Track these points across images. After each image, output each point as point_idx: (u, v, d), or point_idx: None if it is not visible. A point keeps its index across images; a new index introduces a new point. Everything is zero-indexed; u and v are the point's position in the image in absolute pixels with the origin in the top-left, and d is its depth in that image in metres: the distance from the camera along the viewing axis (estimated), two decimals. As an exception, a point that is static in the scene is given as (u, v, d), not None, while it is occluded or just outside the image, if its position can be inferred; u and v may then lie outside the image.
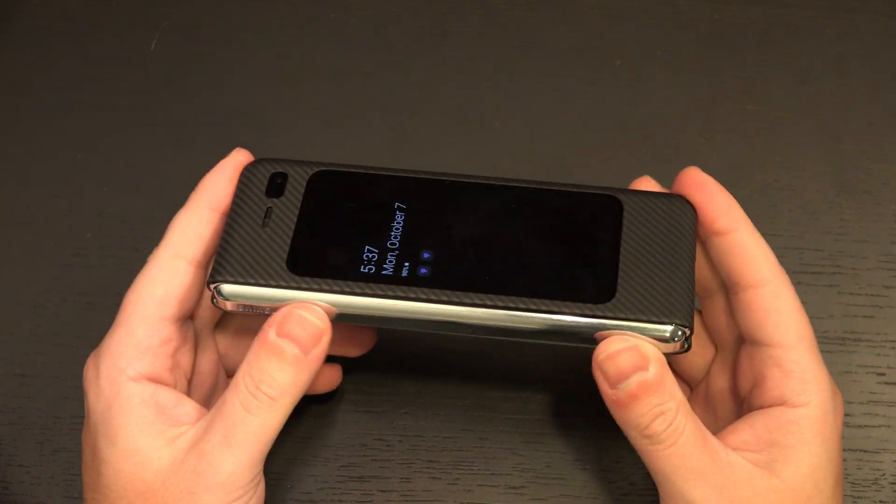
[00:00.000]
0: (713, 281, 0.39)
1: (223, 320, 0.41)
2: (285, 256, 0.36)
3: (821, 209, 0.51)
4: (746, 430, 0.36)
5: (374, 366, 0.45)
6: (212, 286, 0.36)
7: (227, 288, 0.36)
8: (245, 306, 0.36)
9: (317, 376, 0.42)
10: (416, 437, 0.44)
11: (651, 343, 0.35)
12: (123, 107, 0.54)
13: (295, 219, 0.37)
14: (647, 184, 0.39)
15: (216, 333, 0.41)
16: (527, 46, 0.56)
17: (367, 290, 0.36)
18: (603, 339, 0.35)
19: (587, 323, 0.35)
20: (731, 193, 0.50)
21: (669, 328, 0.35)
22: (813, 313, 0.47)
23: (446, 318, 0.36)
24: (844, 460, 0.43)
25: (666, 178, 0.51)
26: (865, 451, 0.44)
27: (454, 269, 0.36)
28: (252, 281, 0.36)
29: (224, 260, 0.36)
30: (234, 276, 0.36)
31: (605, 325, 0.35)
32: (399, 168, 0.39)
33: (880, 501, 0.43)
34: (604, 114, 0.54)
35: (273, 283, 0.36)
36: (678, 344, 0.35)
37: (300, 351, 0.35)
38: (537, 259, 0.37)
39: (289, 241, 0.37)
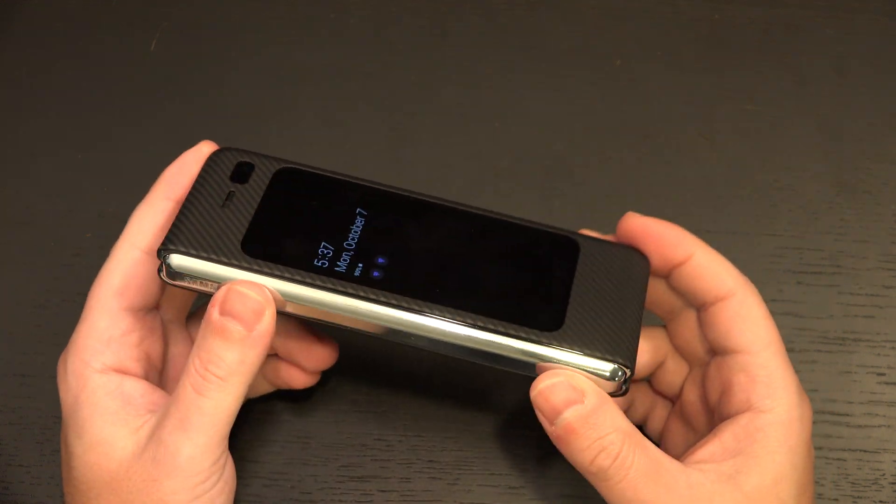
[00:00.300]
0: (676, 301, 0.39)
1: (198, 312, 0.41)
2: (240, 237, 0.36)
3: (821, 209, 0.51)
4: (714, 442, 0.36)
5: (374, 366, 0.45)
6: (161, 255, 0.36)
7: (175, 258, 0.35)
8: (192, 279, 0.35)
9: (285, 369, 0.41)
10: (416, 437, 0.44)
11: (588, 378, 0.35)
12: (124, 107, 0.54)
13: (256, 205, 0.37)
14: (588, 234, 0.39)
15: (192, 325, 0.41)
16: (527, 46, 0.56)
17: (318, 282, 0.35)
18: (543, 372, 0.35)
19: (531, 349, 0.35)
20: (731, 193, 0.51)
21: (611, 366, 0.35)
22: (813, 313, 0.47)
23: (392, 324, 0.35)
24: (844, 460, 0.44)
25: (666, 178, 0.52)
26: (865, 451, 0.44)
27: (408, 278, 0.36)
28: (204, 255, 0.35)
29: (178, 231, 0.36)
30: (185, 247, 0.35)
31: (547, 354, 0.35)
32: (369, 179, 0.39)
33: (880, 501, 0.43)
34: (604, 114, 0.54)
35: (224, 259, 0.35)
36: (618, 384, 0.35)
37: (244, 328, 0.34)
38: (491, 282, 0.37)
39: (246, 225, 0.36)
